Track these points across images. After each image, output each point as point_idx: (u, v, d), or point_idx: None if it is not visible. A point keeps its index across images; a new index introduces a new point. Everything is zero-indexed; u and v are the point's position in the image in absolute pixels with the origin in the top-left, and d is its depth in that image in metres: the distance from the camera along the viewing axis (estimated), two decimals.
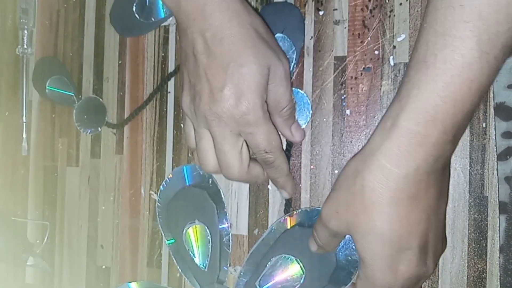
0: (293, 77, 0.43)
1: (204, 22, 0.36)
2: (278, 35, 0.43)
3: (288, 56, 0.42)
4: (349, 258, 0.40)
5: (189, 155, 0.47)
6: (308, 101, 0.42)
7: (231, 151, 0.38)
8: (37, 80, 0.54)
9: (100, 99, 0.51)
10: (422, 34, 0.31)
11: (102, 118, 0.51)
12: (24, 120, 0.55)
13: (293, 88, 0.43)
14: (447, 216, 0.39)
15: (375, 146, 0.32)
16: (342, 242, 0.39)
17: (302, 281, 0.41)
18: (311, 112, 0.42)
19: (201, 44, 0.36)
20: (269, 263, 0.42)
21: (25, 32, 0.55)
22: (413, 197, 0.31)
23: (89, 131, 0.51)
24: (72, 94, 0.52)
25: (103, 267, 0.50)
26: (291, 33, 0.42)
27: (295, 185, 0.43)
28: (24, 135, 0.55)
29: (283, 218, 0.43)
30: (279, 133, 0.41)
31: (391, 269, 0.33)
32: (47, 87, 0.52)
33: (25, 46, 0.54)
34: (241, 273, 0.43)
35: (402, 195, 0.31)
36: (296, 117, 0.42)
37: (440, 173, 0.32)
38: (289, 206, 0.43)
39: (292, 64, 0.42)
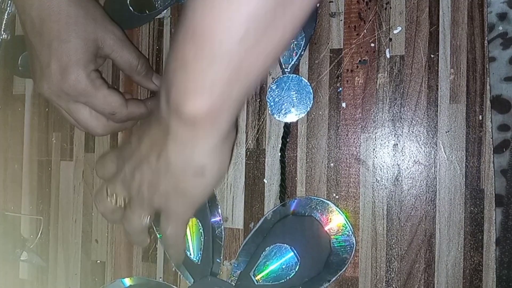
0: (297, 63, 0.43)
1: (33, 3, 0.38)
2: None
3: (296, 42, 0.42)
4: (343, 243, 0.40)
5: None
6: (311, 90, 0.42)
7: (83, 118, 0.41)
8: (8, 59, 0.53)
9: None
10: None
11: None
12: None
13: (297, 76, 0.42)
14: (443, 209, 0.39)
15: None
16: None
17: (297, 268, 0.41)
18: (312, 102, 0.42)
19: (29, 24, 0.39)
20: (263, 252, 0.42)
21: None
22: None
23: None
24: None
25: (98, 261, 0.50)
26: None
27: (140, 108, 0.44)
28: None
29: (277, 207, 0.43)
30: (146, 87, 0.46)
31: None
32: (19, 65, 0.51)
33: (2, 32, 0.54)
34: (235, 264, 0.43)
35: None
36: (152, 72, 0.46)
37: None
38: (284, 195, 0.43)
39: (299, 51, 0.42)
